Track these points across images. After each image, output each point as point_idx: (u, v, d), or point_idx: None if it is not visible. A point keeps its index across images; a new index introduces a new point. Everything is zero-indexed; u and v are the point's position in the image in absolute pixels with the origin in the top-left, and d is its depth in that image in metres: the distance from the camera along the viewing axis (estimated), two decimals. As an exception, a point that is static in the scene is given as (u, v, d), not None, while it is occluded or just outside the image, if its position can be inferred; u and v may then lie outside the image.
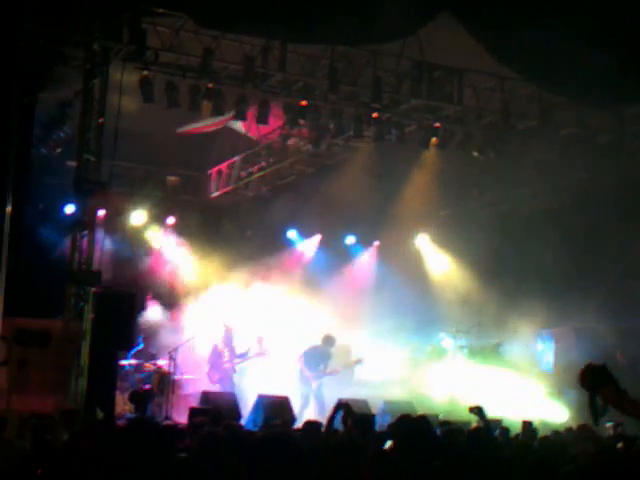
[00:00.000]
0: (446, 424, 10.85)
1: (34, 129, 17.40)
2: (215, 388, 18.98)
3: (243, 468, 7.43)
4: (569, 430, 10.75)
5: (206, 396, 16.53)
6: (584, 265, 19.80)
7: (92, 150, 16.72)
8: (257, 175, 22.97)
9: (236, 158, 23.23)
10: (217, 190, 23.87)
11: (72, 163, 17.70)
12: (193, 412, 14.26)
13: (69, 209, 18.00)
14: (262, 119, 18.16)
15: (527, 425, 10.57)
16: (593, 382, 6.27)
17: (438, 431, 9.92)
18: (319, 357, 19.46)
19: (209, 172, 24.02)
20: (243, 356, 19.98)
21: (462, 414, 11.79)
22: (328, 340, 19.61)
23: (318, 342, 19.77)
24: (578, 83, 16.00)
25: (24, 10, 15.12)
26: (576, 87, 16.38)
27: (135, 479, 7.28)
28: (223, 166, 23.64)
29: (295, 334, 20.89)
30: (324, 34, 16.24)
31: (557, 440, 9.83)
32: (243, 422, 14.85)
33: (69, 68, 16.91)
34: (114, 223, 19.95)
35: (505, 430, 10.69)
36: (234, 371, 19.73)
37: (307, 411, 18.30)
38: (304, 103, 18.17)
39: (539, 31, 15.12)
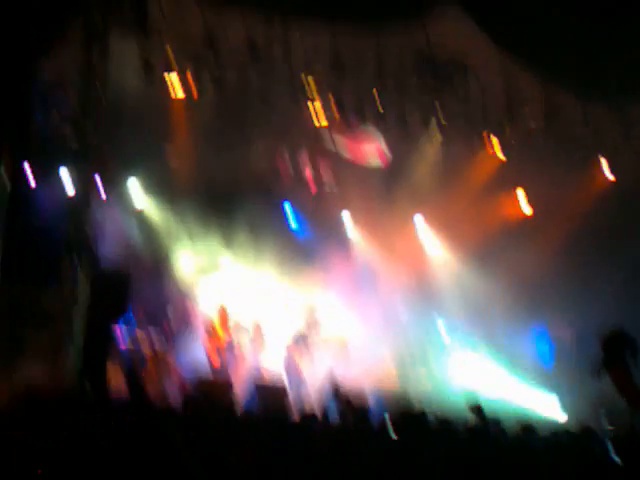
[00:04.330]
0: (445, 422, 10.83)
1: (34, 98, 17.27)
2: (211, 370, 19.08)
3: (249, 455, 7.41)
4: (568, 432, 10.75)
5: (201, 383, 16.53)
6: (588, 266, 19.85)
7: (90, 121, 16.58)
8: (256, 153, 22.74)
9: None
10: (217, 166, 23.68)
11: (70, 134, 17.59)
12: (187, 397, 14.23)
13: (65, 180, 17.90)
14: (265, 99, 18.15)
15: (526, 426, 10.57)
16: (615, 351, 6.21)
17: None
18: (302, 340, 19.36)
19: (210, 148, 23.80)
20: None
21: (460, 410, 11.80)
22: (310, 321, 19.50)
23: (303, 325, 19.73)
24: (585, 79, 16.00)
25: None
26: (582, 83, 16.38)
27: (128, 460, 7.30)
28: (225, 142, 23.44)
29: (289, 321, 20.82)
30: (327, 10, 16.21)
31: (556, 442, 9.83)
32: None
33: (69, 38, 16.78)
34: (113, 197, 19.87)
35: (502, 430, 10.70)
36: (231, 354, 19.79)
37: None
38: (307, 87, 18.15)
39: (547, 22, 15.09)
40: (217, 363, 19.31)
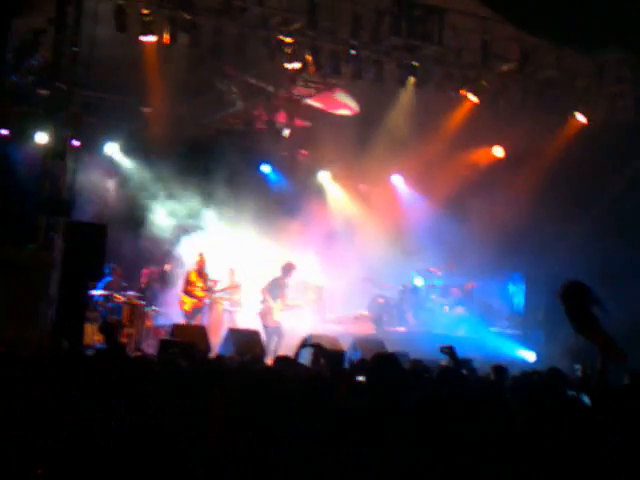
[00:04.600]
0: (417, 362, 10.88)
1: (6, 56, 17.13)
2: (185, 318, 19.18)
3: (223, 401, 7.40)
4: (538, 373, 10.79)
5: (177, 328, 16.59)
6: (557, 208, 19.93)
7: (65, 79, 16.47)
8: (232, 110, 22.78)
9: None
10: (193, 123, 23.67)
11: (44, 91, 17.50)
12: (163, 344, 14.27)
13: (40, 138, 17.80)
14: (239, 51, 18.02)
15: (498, 367, 10.61)
16: (570, 297, 6.21)
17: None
18: (278, 288, 19.47)
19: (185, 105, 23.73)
20: (216, 288, 20.15)
21: (433, 352, 11.85)
22: (285, 269, 19.58)
23: (279, 273, 19.81)
24: (558, 25, 15.99)
25: None
26: (556, 29, 16.37)
27: (102, 409, 7.27)
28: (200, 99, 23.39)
29: (265, 269, 20.84)
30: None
31: (526, 381, 9.87)
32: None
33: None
34: (89, 156, 19.84)
35: (473, 369, 10.74)
36: (206, 302, 19.87)
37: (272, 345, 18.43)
38: (282, 38, 18.01)
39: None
40: (192, 310, 19.47)
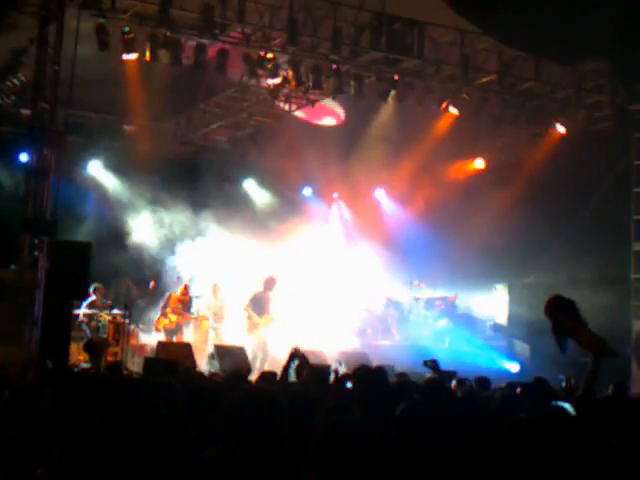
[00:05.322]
0: (402, 375, 10.93)
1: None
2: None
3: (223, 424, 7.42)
4: (522, 383, 10.84)
5: (161, 346, 16.60)
6: (539, 219, 20.00)
7: (47, 98, 16.48)
8: (215, 126, 22.84)
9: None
10: (175, 141, 23.75)
11: (26, 111, 17.50)
12: (148, 362, 14.27)
13: (24, 157, 17.82)
14: (220, 68, 18.04)
15: (480, 378, 10.69)
16: (555, 309, 6.40)
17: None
18: (261, 303, 19.48)
19: (168, 122, 23.81)
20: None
21: (418, 366, 11.92)
22: (267, 283, 19.63)
23: (260, 287, 19.86)
24: (536, 37, 16.06)
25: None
26: (534, 41, 16.45)
27: (91, 429, 7.28)
28: (182, 117, 23.47)
29: (250, 284, 20.89)
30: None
31: (509, 393, 9.92)
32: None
33: (24, 14, 16.65)
34: (73, 175, 19.85)
35: (461, 380, 10.80)
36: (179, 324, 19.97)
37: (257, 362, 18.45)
38: (262, 54, 18.07)
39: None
40: (163, 329, 19.56)
